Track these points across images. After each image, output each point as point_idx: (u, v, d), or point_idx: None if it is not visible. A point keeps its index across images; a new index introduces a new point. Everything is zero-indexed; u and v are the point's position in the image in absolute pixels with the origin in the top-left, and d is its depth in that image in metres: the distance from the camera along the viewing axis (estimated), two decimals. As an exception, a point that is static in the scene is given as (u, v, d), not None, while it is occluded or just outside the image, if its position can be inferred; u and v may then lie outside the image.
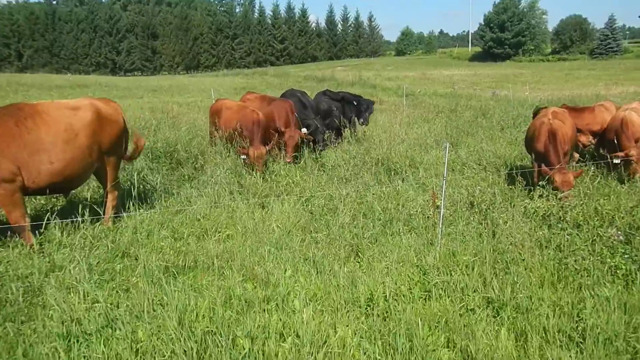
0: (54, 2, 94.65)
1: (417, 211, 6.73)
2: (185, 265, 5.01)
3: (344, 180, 8.61)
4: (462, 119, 16.71)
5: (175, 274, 4.82)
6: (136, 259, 5.20)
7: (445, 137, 12.67)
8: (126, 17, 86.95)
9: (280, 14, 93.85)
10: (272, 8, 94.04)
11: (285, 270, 4.93)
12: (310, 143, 10.13)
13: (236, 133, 9.01)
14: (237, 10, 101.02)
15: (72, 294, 4.36)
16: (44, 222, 5.53)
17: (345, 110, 11.87)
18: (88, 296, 4.28)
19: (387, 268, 5.00)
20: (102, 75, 55.67)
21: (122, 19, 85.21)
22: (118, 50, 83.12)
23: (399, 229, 6.24)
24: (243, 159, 8.64)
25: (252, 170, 8.43)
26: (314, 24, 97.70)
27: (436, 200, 6.38)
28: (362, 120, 12.20)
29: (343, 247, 5.67)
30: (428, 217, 6.47)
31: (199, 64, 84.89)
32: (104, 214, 6.25)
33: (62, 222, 5.75)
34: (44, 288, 4.45)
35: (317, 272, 4.93)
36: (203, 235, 6.11)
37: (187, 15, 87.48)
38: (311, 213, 6.95)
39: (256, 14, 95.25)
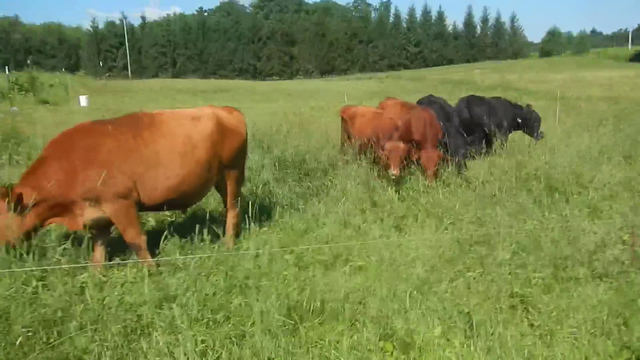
0: (205, 14, 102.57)
1: (598, 249, 5.23)
2: (310, 308, 4.15)
3: (495, 199, 7.25)
4: (634, 127, 14.10)
5: (298, 320, 3.97)
6: (258, 291, 4.47)
7: (616, 149, 10.57)
8: (267, 26, 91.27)
9: (416, 17, 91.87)
10: (408, 12, 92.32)
11: (433, 326, 3.85)
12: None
13: (371, 142, 8.10)
14: (373, 15, 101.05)
15: (178, 335, 3.71)
16: (162, 240, 5.07)
17: (494, 119, 10.31)
18: (197, 343, 3.59)
19: (575, 339, 3.67)
20: (243, 80, 58.65)
21: (263, 27, 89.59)
22: (259, 57, 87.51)
23: (578, 274, 4.82)
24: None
25: (387, 173, 7.48)
26: (450, 27, 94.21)
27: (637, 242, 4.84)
28: (535, 134, 10.42)
29: (505, 295, 4.43)
30: (623, 262, 4.93)
31: (333, 68, 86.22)
32: (224, 233, 5.68)
33: (180, 241, 5.27)
34: (153, 325, 3.85)
35: (476, 334, 3.77)
36: (331, 264, 5.24)
37: (324, 21, 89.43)
38: (458, 242, 5.75)
39: (391, 18, 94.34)
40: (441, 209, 6.74)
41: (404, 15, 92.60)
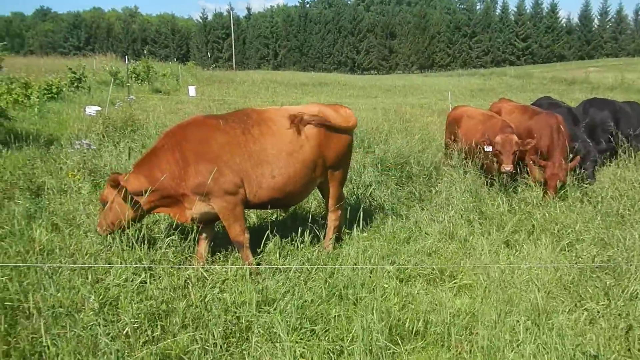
0: (307, 5, 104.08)
1: None
2: (412, 329, 3.89)
3: (620, 218, 6.50)
4: None
5: (399, 341, 3.73)
6: (354, 304, 4.29)
7: None
8: (368, 18, 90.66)
9: (525, 9, 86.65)
10: (517, 4, 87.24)
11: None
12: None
13: (480, 147, 7.59)
14: (478, 7, 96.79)
15: (277, 344, 3.62)
16: (263, 239, 5.05)
17: (621, 124, 9.24)
18: (295, 356, 3.48)
19: None
20: (341, 74, 58.77)
21: (364, 19, 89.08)
22: (358, 50, 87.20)
23: None
24: (487, 151, 7.23)
25: (497, 174, 6.99)
26: (564, 20, 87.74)
27: None
28: None
29: (637, 337, 3.88)
30: None
31: (434, 63, 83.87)
32: (324, 235, 5.56)
33: (281, 241, 5.22)
34: (252, 329, 3.80)
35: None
36: (435, 278, 4.93)
37: (426, 14, 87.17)
38: (577, 266, 5.18)
39: (498, 10, 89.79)
40: (558, 226, 6.15)
41: (512, 7, 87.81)
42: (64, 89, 18.12)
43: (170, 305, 4.03)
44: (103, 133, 10.52)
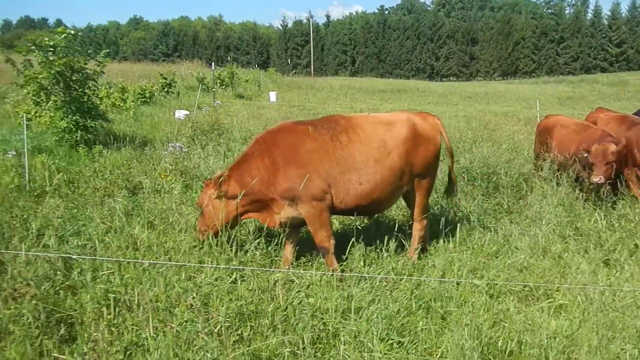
0: (386, 12, 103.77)
1: None
2: (506, 349, 3.71)
3: None
4: None
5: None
6: (443, 318, 4.18)
7: None
8: (448, 24, 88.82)
9: (620, 13, 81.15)
10: (611, 7, 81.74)
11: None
12: None
13: (575, 158, 7.17)
14: (567, 11, 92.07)
15: (365, 353, 3.59)
16: (348, 246, 5.04)
17: None
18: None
19: None
20: (419, 81, 57.94)
21: (444, 26, 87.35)
22: (437, 56, 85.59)
23: None
24: (584, 157, 6.84)
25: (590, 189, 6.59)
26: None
27: None
28: None
29: None
30: None
31: (517, 70, 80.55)
32: (409, 244, 5.47)
33: (365, 249, 5.19)
34: (338, 336, 3.80)
35: None
36: (527, 296, 4.70)
37: (510, 19, 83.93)
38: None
39: (590, 14, 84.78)
40: (663, 246, 5.67)
41: (606, 11, 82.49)
42: (155, 94, 19.19)
43: (259, 307, 4.11)
44: (192, 136, 11.02)
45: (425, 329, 3.97)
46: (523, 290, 4.76)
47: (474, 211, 6.68)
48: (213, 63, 24.10)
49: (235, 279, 4.47)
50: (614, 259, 5.46)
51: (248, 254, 4.97)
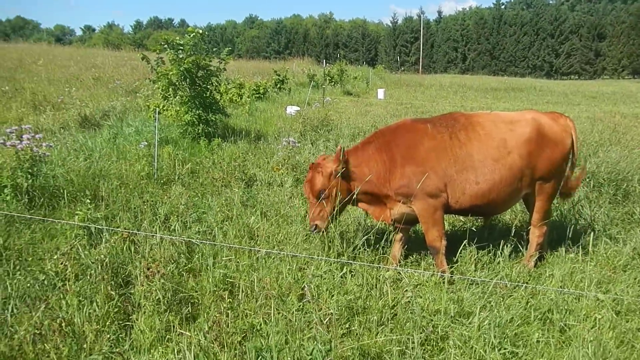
0: (502, 7, 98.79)
1: None
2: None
3: None
4: None
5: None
6: (561, 331, 3.92)
7: None
8: (572, 18, 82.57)
9: None
10: None
11: None
12: None
13: None
14: None
15: (475, 360, 3.48)
16: (459, 250, 4.90)
17: None
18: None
19: None
20: (536, 79, 54.54)
21: (567, 20, 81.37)
22: (557, 53, 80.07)
23: None
24: None
25: None
26: None
27: None
28: None
29: None
30: None
31: (651, 68, 72.94)
32: (526, 251, 5.19)
33: (477, 252, 5.01)
34: (447, 338, 3.72)
35: None
36: None
37: (647, 11, 76.03)
38: None
39: None
40: None
41: None
42: (269, 90, 19.97)
43: (367, 302, 4.14)
44: (302, 132, 11.33)
45: (542, 341, 3.76)
46: None
47: (600, 220, 6.17)
48: (323, 60, 24.53)
49: (345, 273, 4.54)
50: None
51: (357, 250, 5.02)
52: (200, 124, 10.19)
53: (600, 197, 6.79)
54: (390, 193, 4.81)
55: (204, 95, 10.44)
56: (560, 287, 4.55)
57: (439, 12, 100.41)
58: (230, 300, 4.00)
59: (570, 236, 5.28)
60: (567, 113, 17.60)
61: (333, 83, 26.50)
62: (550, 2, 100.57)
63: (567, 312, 4.14)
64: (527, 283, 4.65)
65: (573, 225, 5.94)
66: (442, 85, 33.50)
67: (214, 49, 11.61)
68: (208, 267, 4.58)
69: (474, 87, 33.88)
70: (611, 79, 66.02)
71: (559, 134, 5.01)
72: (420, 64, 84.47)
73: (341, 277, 4.52)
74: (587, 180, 7.08)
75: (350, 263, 4.65)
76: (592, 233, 5.76)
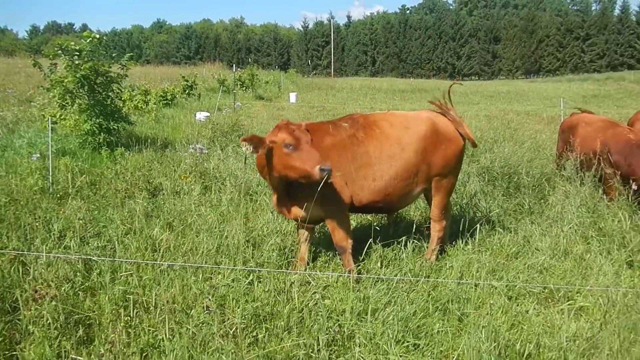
0: (407, 12, 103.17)
1: None
2: (524, 352, 3.65)
3: None
4: None
5: (510, 363, 3.52)
6: (460, 320, 4.13)
7: None
8: (471, 22, 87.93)
9: (649, 8, 79.21)
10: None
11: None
12: None
13: (598, 157, 7.01)
14: (594, 8, 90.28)
15: (380, 356, 3.57)
16: (365, 247, 5.02)
17: None
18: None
19: None
20: (440, 80, 57.44)
21: (466, 24, 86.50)
22: (459, 55, 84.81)
23: None
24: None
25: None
26: (697, 18, 78.86)
27: None
28: None
29: None
30: None
31: (540, 68, 79.33)
32: (428, 245, 5.42)
33: (383, 250, 5.16)
34: (354, 339, 3.78)
35: None
36: (547, 298, 4.61)
37: (534, 17, 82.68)
38: None
39: (617, 10, 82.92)
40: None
41: (635, 7, 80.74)
42: (177, 96, 19.41)
43: (274, 308, 4.12)
44: (212, 138, 11.11)
45: (442, 331, 3.93)
46: (543, 292, 4.67)
47: (494, 211, 6.59)
48: (234, 65, 24.26)
49: (252, 280, 4.49)
50: (638, 260, 5.32)
51: (264, 255, 4.98)
52: (102, 133, 9.69)
53: (494, 190, 7.25)
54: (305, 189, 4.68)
55: (105, 103, 9.94)
56: (459, 277, 4.79)
57: (348, 17, 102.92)
58: (128, 318, 3.81)
59: (467, 228, 5.59)
60: (468, 112, 18.69)
61: (244, 88, 26.28)
62: (451, 7, 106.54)
63: (465, 301, 4.36)
64: (428, 276, 4.86)
65: (470, 218, 6.30)
66: (352, 88, 34.29)
67: (116, 55, 11.06)
68: (106, 285, 4.34)
69: (383, 89, 35.03)
70: (507, 79, 70.98)
71: (453, 132, 5.27)
72: (332, 67, 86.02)
73: (249, 285, 4.46)
74: (483, 174, 7.53)
75: (255, 270, 4.60)
76: (487, 225, 6.16)
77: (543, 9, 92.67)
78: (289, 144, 4.32)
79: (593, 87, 37.50)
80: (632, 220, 6.15)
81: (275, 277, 4.57)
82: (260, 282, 4.52)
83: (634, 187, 6.45)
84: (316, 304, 4.22)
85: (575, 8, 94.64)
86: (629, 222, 6.05)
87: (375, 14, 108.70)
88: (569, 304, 4.46)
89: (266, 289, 4.37)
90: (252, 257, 4.99)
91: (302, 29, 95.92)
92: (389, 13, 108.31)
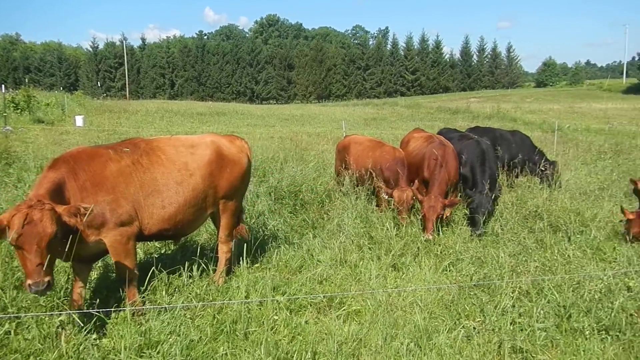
0: (205, 37, 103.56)
1: (604, 296, 4.98)
2: (301, 360, 3.85)
3: (496, 237, 7.03)
4: (632, 161, 14.06)
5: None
6: (246, 337, 4.18)
7: (616, 185, 10.44)
8: (266, 50, 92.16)
9: (413, 45, 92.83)
10: (406, 40, 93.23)
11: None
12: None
13: (370, 173, 7.89)
14: (371, 42, 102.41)
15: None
16: (148, 275, 4.79)
17: (501, 150, 9.95)
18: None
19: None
20: (240, 104, 58.67)
21: (262, 52, 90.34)
22: (257, 80, 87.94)
23: (583, 326, 4.55)
24: (386, 199, 7.48)
25: (393, 216, 7.23)
26: (447, 55, 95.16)
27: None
28: (551, 182, 9.53)
29: (507, 350, 4.16)
30: (630, 314, 4.68)
31: (331, 94, 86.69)
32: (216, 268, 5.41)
33: (168, 277, 4.99)
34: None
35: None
36: (325, 307, 4.96)
37: (322, 47, 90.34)
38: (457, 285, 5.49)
39: (389, 46, 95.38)
40: (440, 247, 6.50)
41: (402, 43, 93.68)
42: None
43: (38, 358, 3.66)
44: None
45: (225, 354, 3.94)
46: (322, 301, 5.01)
47: (281, 229, 6.89)
48: (3, 85, 21.31)
49: (10, 328, 3.92)
50: (401, 262, 6.07)
51: (29, 297, 4.41)
52: None
53: (282, 207, 7.60)
54: (80, 227, 4.15)
55: None
56: (245, 297, 4.87)
57: (143, 39, 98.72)
58: None
59: (255, 247, 5.74)
60: (263, 134, 19.37)
61: (19, 110, 23.24)
62: (247, 35, 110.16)
63: (250, 320, 4.44)
64: (215, 300, 4.84)
65: (259, 237, 6.50)
66: (148, 111, 32.93)
67: None
68: None
69: (181, 112, 34.36)
70: (301, 103, 75.71)
71: (236, 154, 5.39)
72: (127, 89, 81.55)
73: (6, 335, 3.89)
74: (271, 193, 7.86)
75: (15, 316, 4.04)
76: (274, 242, 6.42)
77: (330, 41, 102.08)
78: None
79: (373, 111, 42.19)
80: (397, 228, 7.02)
81: (41, 322, 4.07)
82: (22, 329, 3.97)
83: (385, 196, 7.44)
84: (85, 347, 3.86)
85: (356, 42, 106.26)
86: (395, 230, 6.90)
87: (172, 37, 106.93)
88: (343, 310, 4.85)
89: (29, 337, 3.86)
90: (14, 302, 4.36)
91: (91, 49, 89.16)
92: (186, 37, 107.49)
